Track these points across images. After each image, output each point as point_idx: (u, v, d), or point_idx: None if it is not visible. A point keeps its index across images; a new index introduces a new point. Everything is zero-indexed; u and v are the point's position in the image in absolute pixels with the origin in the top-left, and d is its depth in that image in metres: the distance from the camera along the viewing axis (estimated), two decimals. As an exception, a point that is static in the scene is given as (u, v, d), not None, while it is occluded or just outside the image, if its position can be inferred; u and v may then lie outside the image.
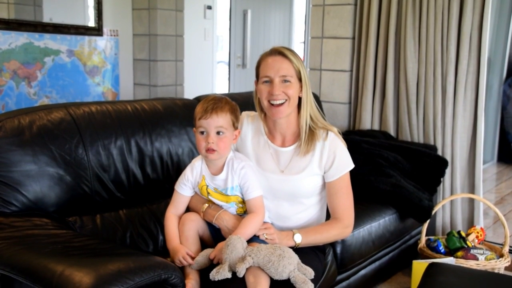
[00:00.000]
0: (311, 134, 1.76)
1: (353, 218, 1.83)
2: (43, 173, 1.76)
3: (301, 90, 1.74)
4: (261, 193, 1.71)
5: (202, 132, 1.65)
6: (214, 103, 1.65)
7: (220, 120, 1.63)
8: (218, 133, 1.64)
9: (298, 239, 1.71)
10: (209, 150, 1.64)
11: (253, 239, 1.64)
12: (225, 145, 1.66)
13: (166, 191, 2.08)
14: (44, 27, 3.61)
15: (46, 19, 3.64)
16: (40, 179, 1.75)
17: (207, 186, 1.72)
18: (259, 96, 1.76)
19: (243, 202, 1.72)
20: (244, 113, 1.87)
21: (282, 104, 1.71)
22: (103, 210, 1.93)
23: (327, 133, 1.78)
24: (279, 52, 1.72)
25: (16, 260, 1.40)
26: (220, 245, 1.60)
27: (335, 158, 1.76)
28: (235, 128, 1.70)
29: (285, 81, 1.71)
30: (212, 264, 1.59)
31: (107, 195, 1.94)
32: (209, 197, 1.73)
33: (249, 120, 1.85)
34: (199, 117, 1.64)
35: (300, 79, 1.73)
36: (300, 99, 1.76)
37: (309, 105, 1.76)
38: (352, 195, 1.83)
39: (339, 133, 1.82)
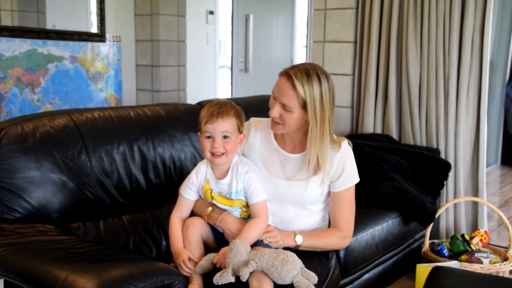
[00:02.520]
0: (324, 159, 1.70)
1: (352, 231, 1.83)
2: (47, 179, 1.76)
3: (307, 118, 1.66)
4: (265, 198, 1.70)
5: (208, 137, 1.65)
6: (220, 107, 1.64)
7: (225, 125, 1.63)
8: (224, 137, 1.64)
9: (299, 240, 1.72)
10: (215, 154, 1.64)
11: (257, 243, 1.64)
12: (231, 149, 1.66)
13: (169, 197, 2.08)
14: (47, 33, 3.63)
15: (49, 26, 3.66)
16: (44, 185, 1.75)
17: (211, 190, 1.72)
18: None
19: (247, 206, 1.72)
20: (253, 119, 1.87)
21: (278, 123, 1.69)
22: (106, 216, 1.94)
23: (339, 145, 1.75)
24: (287, 75, 1.63)
25: (20, 267, 1.41)
26: (223, 249, 1.60)
27: (343, 170, 1.75)
28: (240, 132, 1.70)
29: (286, 109, 1.64)
30: (215, 269, 1.59)
31: (110, 201, 1.95)
32: (213, 201, 1.73)
33: (257, 126, 1.84)
34: (204, 122, 1.64)
35: (305, 108, 1.64)
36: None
37: (319, 134, 1.64)
38: (355, 208, 1.83)
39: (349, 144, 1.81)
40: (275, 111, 1.67)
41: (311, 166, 1.71)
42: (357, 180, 1.81)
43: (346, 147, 1.78)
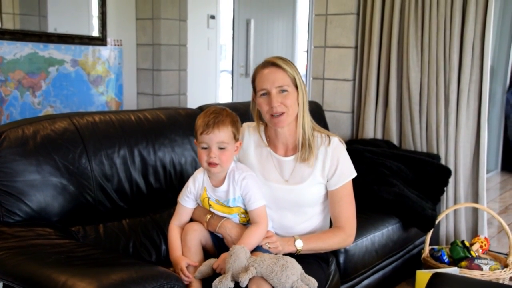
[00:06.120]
0: (311, 140, 1.76)
1: (355, 227, 1.82)
2: (47, 183, 1.76)
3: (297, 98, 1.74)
4: (263, 203, 1.70)
5: (204, 147, 1.64)
6: (215, 117, 1.63)
7: (222, 135, 1.62)
8: (219, 148, 1.63)
9: (300, 245, 1.71)
10: (211, 164, 1.63)
11: (257, 249, 1.64)
12: (227, 158, 1.65)
13: (169, 201, 2.08)
14: (49, 37, 3.63)
15: (50, 29, 3.67)
16: (44, 189, 1.75)
17: (209, 198, 1.72)
18: (259, 110, 1.76)
19: (246, 212, 1.71)
20: (245, 124, 1.87)
21: (282, 114, 1.71)
22: (106, 220, 1.93)
23: (329, 140, 1.78)
24: (272, 63, 1.72)
25: (19, 270, 1.41)
26: (223, 255, 1.60)
27: (338, 166, 1.76)
28: (236, 140, 1.69)
29: (282, 91, 1.70)
30: (215, 274, 1.59)
31: (110, 205, 1.95)
32: (211, 209, 1.72)
33: (250, 131, 1.85)
34: (200, 132, 1.63)
35: (297, 87, 1.73)
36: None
37: (305, 111, 1.76)
38: (355, 204, 1.83)
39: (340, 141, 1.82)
40: (275, 100, 1.69)
41: (304, 153, 1.74)
42: (354, 174, 1.80)
43: (337, 142, 1.79)
